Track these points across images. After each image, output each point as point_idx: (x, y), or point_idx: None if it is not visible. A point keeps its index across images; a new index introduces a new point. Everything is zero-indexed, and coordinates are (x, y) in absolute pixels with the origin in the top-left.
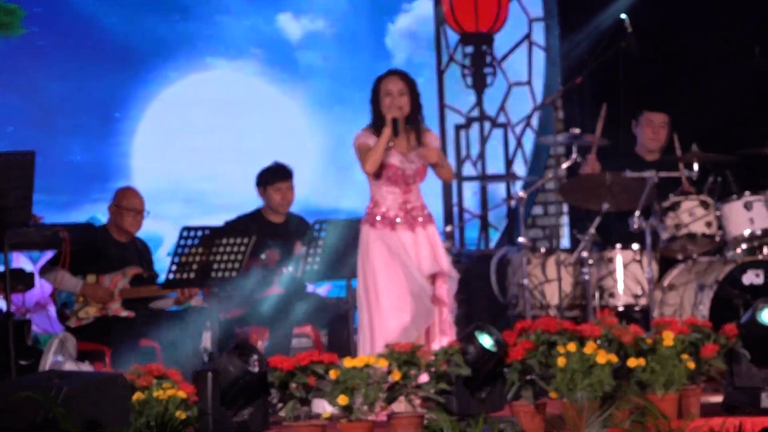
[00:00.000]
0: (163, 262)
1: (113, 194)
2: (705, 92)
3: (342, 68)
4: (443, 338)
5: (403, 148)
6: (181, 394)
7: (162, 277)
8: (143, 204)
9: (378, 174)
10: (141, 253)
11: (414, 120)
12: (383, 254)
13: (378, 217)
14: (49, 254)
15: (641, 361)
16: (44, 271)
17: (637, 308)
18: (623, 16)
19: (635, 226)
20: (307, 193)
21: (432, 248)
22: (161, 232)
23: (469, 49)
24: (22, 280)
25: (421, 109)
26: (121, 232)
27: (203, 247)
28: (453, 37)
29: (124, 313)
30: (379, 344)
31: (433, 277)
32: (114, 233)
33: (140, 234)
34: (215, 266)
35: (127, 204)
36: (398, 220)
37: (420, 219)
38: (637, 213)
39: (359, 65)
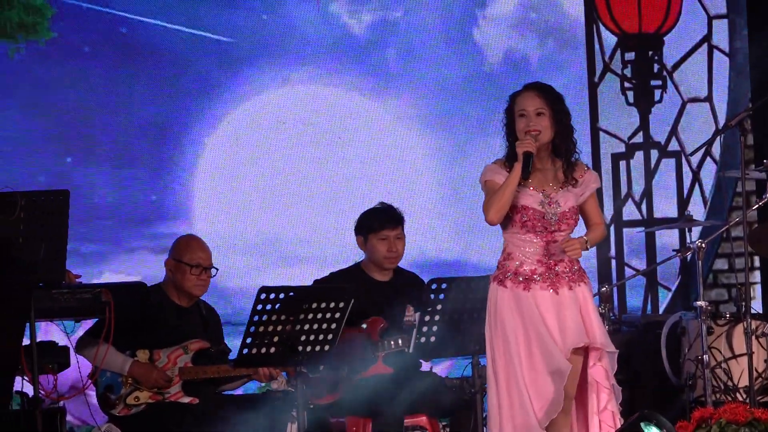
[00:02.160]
0: (232, 331)
1: (171, 245)
2: None
3: (443, 74)
4: None
5: (545, 186)
6: None
7: (234, 353)
8: (210, 259)
9: (511, 219)
10: (207, 321)
11: (563, 146)
12: (515, 321)
13: (509, 274)
14: (88, 324)
15: None
16: (82, 346)
17: None
18: None
19: None
20: (422, 242)
21: (581, 315)
22: (225, 291)
23: (631, 56)
24: (55, 357)
25: (571, 133)
26: (181, 295)
27: (286, 314)
28: (609, 38)
29: (186, 399)
30: None
31: (585, 352)
32: (173, 295)
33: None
34: (302, 338)
35: (191, 259)
36: (536, 277)
37: (566, 276)
38: None
39: (456, 68)
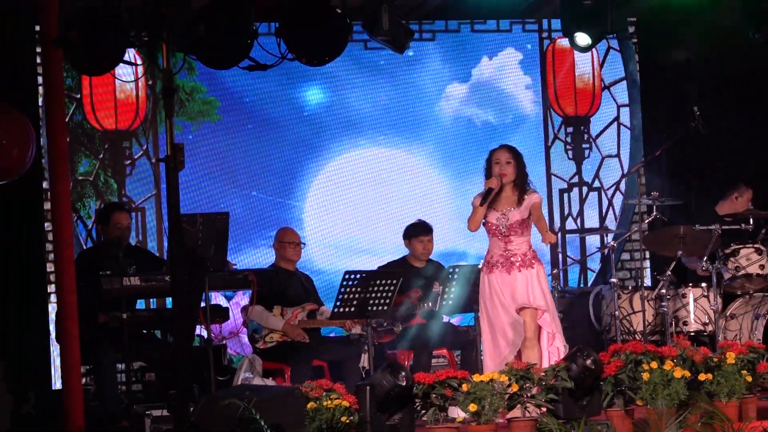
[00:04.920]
0: (328, 297)
1: (275, 235)
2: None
3: (442, 135)
4: (552, 360)
5: (502, 206)
6: (345, 403)
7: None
8: (299, 237)
9: (486, 228)
10: (307, 288)
11: (520, 183)
12: (487, 293)
13: (485, 263)
14: (240, 293)
15: (709, 376)
16: (248, 312)
17: (705, 334)
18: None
19: (703, 268)
20: (444, 242)
21: (527, 286)
22: (322, 271)
23: (570, 129)
24: (220, 314)
25: (526, 175)
26: (286, 263)
27: (361, 287)
28: (556, 118)
29: (301, 339)
30: (488, 364)
31: (536, 309)
32: (282, 265)
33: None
34: (371, 302)
35: (287, 238)
36: (498, 265)
37: (518, 263)
38: (705, 258)
39: (459, 139)
